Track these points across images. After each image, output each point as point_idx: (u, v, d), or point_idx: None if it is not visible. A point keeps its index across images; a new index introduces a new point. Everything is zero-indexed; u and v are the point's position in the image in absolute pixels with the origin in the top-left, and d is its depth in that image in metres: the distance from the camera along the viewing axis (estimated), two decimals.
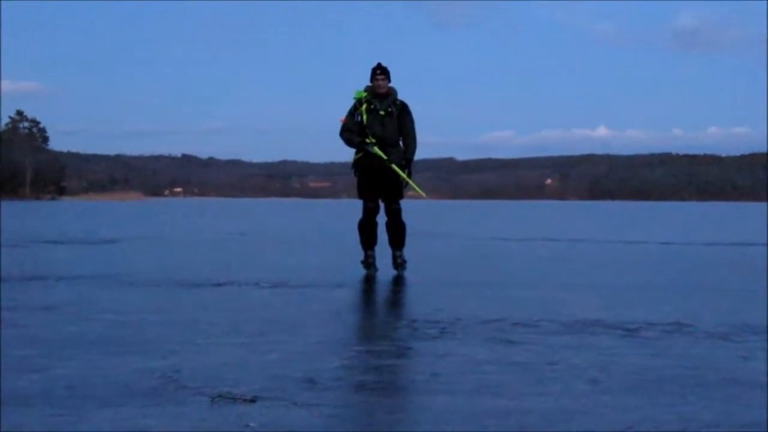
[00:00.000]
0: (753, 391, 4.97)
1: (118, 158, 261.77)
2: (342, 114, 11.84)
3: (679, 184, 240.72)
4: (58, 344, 6.19)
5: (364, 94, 11.71)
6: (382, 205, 11.86)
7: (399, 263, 11.88)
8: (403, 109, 11.75)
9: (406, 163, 11.72)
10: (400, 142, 11.80)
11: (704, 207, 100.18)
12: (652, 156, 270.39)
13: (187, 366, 5.44)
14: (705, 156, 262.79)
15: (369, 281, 10.98)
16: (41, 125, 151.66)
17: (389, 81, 11.75)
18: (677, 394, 4.87)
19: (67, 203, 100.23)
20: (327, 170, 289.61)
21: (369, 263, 11.91)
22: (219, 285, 10.30)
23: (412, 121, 11.77)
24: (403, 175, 11.59)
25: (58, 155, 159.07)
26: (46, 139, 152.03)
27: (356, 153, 11.77)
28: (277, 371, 5.34)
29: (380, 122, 11.63)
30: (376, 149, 11.57)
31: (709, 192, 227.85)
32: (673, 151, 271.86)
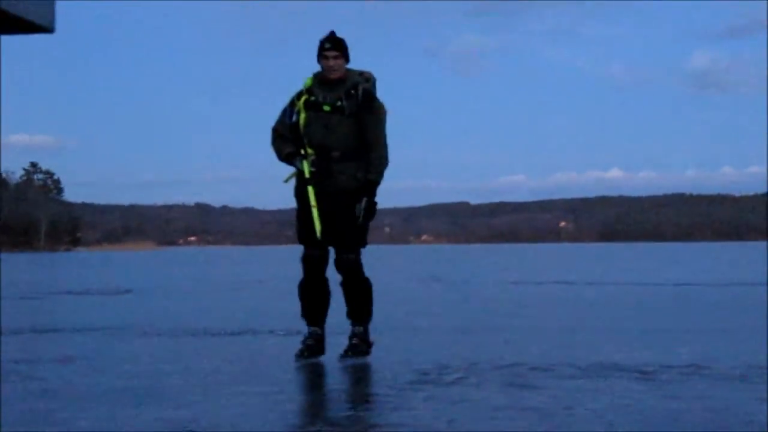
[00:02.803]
0: None
1: (132, 208, 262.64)
2: None
3: (694, 224, 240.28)
4: (76, 396, 6.20)
5: (309, 83, 7.76)
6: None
7: (354, 345, 7.89)
8: (367, 103, 7.64)
9: (365, 187, 7.67)
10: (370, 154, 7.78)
11: (719, 247, 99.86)
12: (666, 197, 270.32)
13: (204, 417, 5.44)
14: (719, 196, 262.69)
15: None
16: (55, 177, 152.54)
17: (347, 61, 7.75)
18: None
19: (82, 254, 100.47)
20: None
21: (307, 346, 7.87)
22: (235, 334, 10.30)
23: (379, 122, 7.69)
24: (313, 202, 7.66)
25: (72, 206, 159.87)
26: (60, 191, 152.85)
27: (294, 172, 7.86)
28: (295, 420, 5.34)
29: (323, 123, 7.61)
30: (304, 164, 7.63)
31: (724, 232, 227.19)
32: (687, 192, 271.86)
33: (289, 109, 7.75)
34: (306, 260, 7.81)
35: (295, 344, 8.06)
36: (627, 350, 8.52)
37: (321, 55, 7.68)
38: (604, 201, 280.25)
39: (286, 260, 58.84)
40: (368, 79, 7.76)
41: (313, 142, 7.63)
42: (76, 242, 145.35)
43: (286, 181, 7.84)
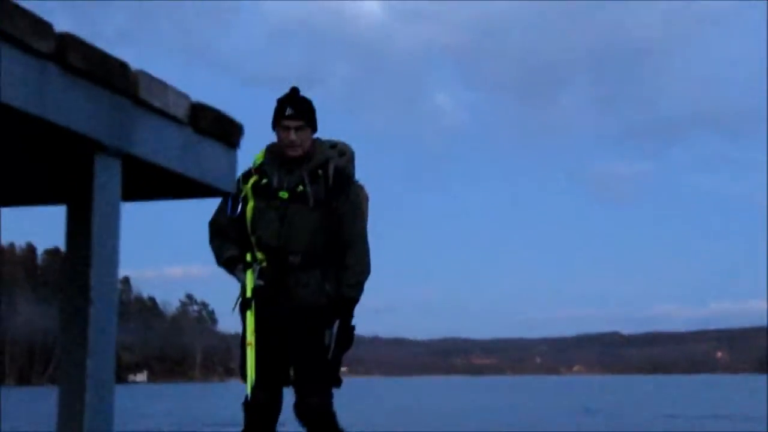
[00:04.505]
0: None
1: None
2: None
3: None
4: None
5: (261, 159, 5.56)
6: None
7: None
8: (340, 186, 5.47)
9: (338, 305, 5.39)
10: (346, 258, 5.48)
11: None
12: None
13: None
14: None
15: None
16: (210, 308, 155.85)
17: (314, 131, 5.49)
18: None
19: (235, 384, 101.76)
20: (490, 346, 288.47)
21: None
22: None
23: (357, 212, 5.50)
24: (250, 338, 5.34)
25: (226, 337, 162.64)
26: (214, 321, 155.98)
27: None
28: None
29: (278, 215, 5.36)
30: (248, 276, 5.35)
31: None
32: None
33: (236, 197, 5.41)
34: (248, 406, 5.34)
35: None
36: None
37: (278, 123, 5.41)
38: (763, 330, 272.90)
39: (439, 391, 58.59)
40: (343, 153, 5.61)
41: (264, 242, 5.35)
42: (229, 372, 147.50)
43: (234, 308, 5.50)
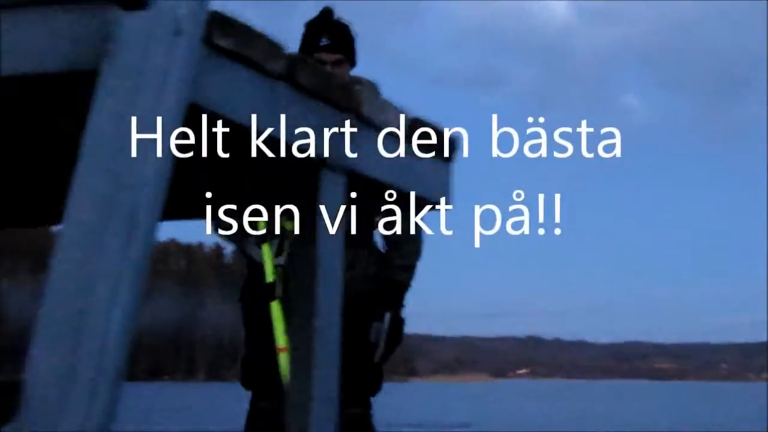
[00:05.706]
0: None
1: (465, 340, 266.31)
2: None
3: None
4: None
5: None
6: None
7: None
8: None
9: (386, 292, 4.12)
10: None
11: None
12: None
13: None
14: None
15: None
16: None
17: (353, 65, 4.06)
18: None
19: (416, 385, 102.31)
20: (674, 351, 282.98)
21: None
22: None
23: None
24: (282, 342, 3.79)
25: (408, 337, 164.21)
26: None
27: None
28: None
29: None
30: (264, 251, 3.94)
31: None
32: None
33: None
34: (255, 418, 4.06)
35: None
36: None
37: (307, 47, 3.99)
38: None
39: (619, 397, 57.75)
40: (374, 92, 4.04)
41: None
42: (411, 372, 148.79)
43: (241, 297, 4.27)
